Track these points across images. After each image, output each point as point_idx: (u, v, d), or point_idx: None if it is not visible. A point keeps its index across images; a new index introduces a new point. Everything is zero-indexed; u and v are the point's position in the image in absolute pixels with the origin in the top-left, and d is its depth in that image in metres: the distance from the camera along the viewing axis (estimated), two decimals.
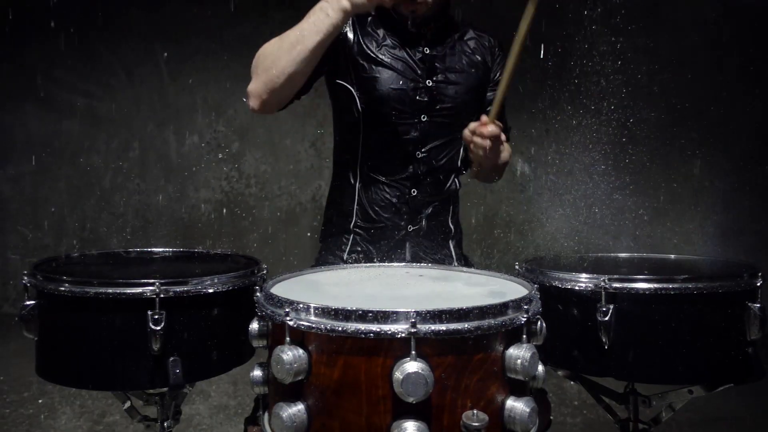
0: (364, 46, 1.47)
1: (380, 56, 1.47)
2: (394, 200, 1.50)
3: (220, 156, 4.62)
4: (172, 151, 4.66)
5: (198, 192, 4.64)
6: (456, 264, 1.56)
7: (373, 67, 1.46)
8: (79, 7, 4.41)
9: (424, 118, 1.48)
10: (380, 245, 1.51)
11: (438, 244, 1.56)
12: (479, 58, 1.56)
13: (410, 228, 1.51)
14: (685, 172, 4.47)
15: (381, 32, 1.50)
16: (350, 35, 1.48)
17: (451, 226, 1.59)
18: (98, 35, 4.49)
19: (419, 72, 1.47)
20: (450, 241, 1.59)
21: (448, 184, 1.56)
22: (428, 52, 1.49)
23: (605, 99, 4.46)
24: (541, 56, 4.17)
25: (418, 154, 1.49)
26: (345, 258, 1.53)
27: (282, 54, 1.36)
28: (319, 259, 1.61)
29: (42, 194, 4.62)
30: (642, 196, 4.54)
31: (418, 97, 1.47)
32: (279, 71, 1.36)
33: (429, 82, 1.48)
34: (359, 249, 1.53)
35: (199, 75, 4.57)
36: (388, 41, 1.49)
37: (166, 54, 4.59)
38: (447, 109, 1.49)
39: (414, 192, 1.50)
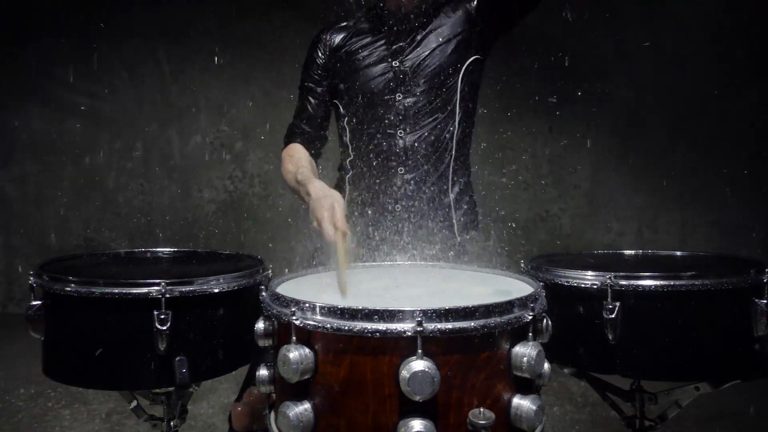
0: (344, 63, 1.60)
1: (355, 62, 1.57)
2: (384, 185, 1.53)
3: (224, 155, 4.63)
4: (175, 151, 4.67)
5: (201, 192, 4.65)
6: (459, 248, 1.57)
7: (351, 74, 1.58)
8: (80, 7, 4.41)
9: (399, 96, 1.53)
10: (375, 232, 1.52)
11: (438, 227, 1.56)
12: (458, 22, 1.57)
13: (405, 210, 1.53)
14: (690, 168, 4.45)
15: (360, 33, 1.59)
16: (336, 63, 1.62)
17: (452, 206, 1.57)
18: (100, 35, 4.49)
19: (391, 59, 1.54)
20: (454, 224, 1.57)
21: (442, 162, 1.55)
22: (404, 38, 1.55)
23: (608, 95, 4.45)
24: (544, 53, 4.17)
25: (401, 133, 1.53)
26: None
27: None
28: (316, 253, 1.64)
29: (46, 194, 4.63)
30: (646, 193, 4.53)
31: (391, 82, 1.53)
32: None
33: (397, 63, 1.54)
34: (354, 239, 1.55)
35: (202, 74, 4.58)
36: (365, 40, 1.58)
37: (168, 53, 4.59)
38: (422, 86, 1.53)
39: (402, 170, 1.53)
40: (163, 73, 4.62)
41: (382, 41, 1.57)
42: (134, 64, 4.59)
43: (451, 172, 1.57)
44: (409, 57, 1.55)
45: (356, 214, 1.55)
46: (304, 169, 1.53)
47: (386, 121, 1.54)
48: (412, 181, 1.53)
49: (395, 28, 1.56)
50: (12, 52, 4.49)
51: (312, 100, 1.66)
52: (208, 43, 4.52)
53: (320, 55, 1.64)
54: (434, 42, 1.55)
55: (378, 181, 1.54)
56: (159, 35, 4.55)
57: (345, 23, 1.64)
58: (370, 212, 1.55)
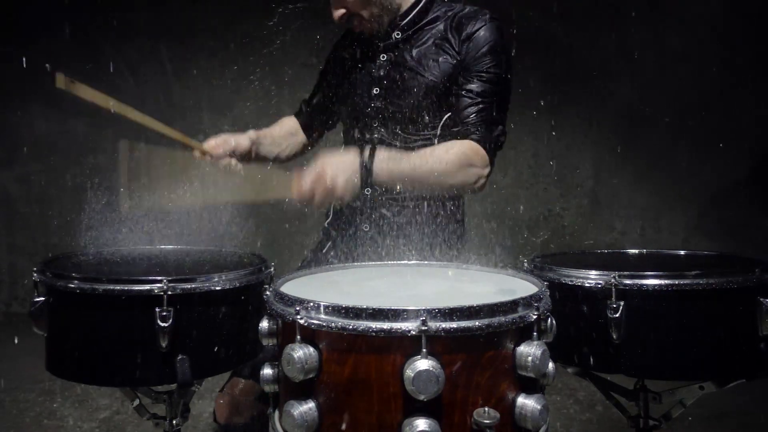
0: (342, 77, 1.60)
1: (348, 82, 1.57)
2: (356, 202, 1.52)
3: None
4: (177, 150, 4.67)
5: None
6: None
7: (344, 92, 1.59)
8: (83, 7, 4.42)
9: (375, 123, 1.49)
10: (349, 247, 1.53)
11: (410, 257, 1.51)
12: (444, 52, 1.47)
13: (371, 227, 1.51)
14: (693, 167, 4.44)
15: (355, 51, 1.57)
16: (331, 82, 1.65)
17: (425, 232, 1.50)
18: (102, 34, 4.49)
19: (369, 82, 1.51)
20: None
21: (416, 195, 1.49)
22: (384, 58, 1.50)
23: (611, 94, 4.45)
24: (546, 52, 4.17)
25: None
26: (320, 256, 1.59)
27: None
28: (304, 260, 1.66)
29: (49, 194, 4.64)
30: (649, 192, 4.52)
31: (367, 108, 1.50)
32: None
33: (376, 91, 1.49)
34: (333, 248, 1.57)
35: (205, 74, 4.58)
36: (357, 63, 1.55)
37: (170, 53, 4.59)
38: (398, 113, 1.47)
39: (368, 192, 1.48)
40: (166, 72, 4.62)
41: (361, 67, 1.53)
42: (137, 63, 4.59)
43: (427, 200, 1.49)
44: (382, 95, 1.48)
45: (332, 221, 1.57)
46: (266, 129, 1.62)
47: (360, 145, 1.51)
48: (377, 201, 1.49)
49: (370, 55, 1.51)
50: (14, 52, 4.49)
51: (317, 88, 1.70)
52: (210, 43, 4.52)
53: (330, 61, 1.68)
54: (409, 82, 1.45)
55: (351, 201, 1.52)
56: (162, 35, 4.55)
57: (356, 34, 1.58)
58: (345, 226, 1.54)
